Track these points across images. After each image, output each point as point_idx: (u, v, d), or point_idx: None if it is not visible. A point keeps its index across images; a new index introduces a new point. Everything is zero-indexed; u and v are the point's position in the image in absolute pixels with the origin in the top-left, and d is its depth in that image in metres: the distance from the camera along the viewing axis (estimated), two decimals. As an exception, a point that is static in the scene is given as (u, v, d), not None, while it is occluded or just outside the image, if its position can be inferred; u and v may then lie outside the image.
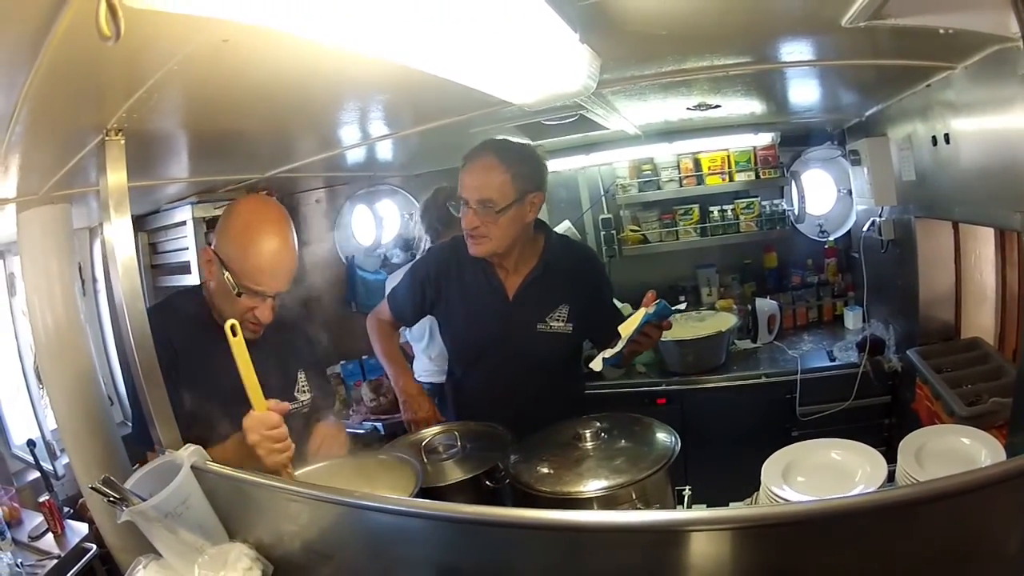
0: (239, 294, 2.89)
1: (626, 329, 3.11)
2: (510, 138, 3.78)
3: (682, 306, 3.44)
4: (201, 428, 2.72)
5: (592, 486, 2.62)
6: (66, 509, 4.18)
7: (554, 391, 3.70)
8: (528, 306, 3.67)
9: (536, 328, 3.65)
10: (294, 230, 3.02)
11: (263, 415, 2.59)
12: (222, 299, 2.98)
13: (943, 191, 3.95)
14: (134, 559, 2.44)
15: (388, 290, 4.37)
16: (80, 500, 4.10)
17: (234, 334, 2.54)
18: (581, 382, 4.20)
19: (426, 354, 5.43)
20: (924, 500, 1.65)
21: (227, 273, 2.88)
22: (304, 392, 3.32)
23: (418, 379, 4.68)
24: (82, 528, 3.95)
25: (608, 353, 3.14)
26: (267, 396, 2.64)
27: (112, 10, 1.22)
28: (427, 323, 4.90)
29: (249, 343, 2.65)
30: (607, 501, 2.58)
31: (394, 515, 2.08)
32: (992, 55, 2.89)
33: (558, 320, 3.66)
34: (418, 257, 4.09)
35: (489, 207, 3.43)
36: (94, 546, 3.72)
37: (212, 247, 3.01)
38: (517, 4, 1.78)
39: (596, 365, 3.16)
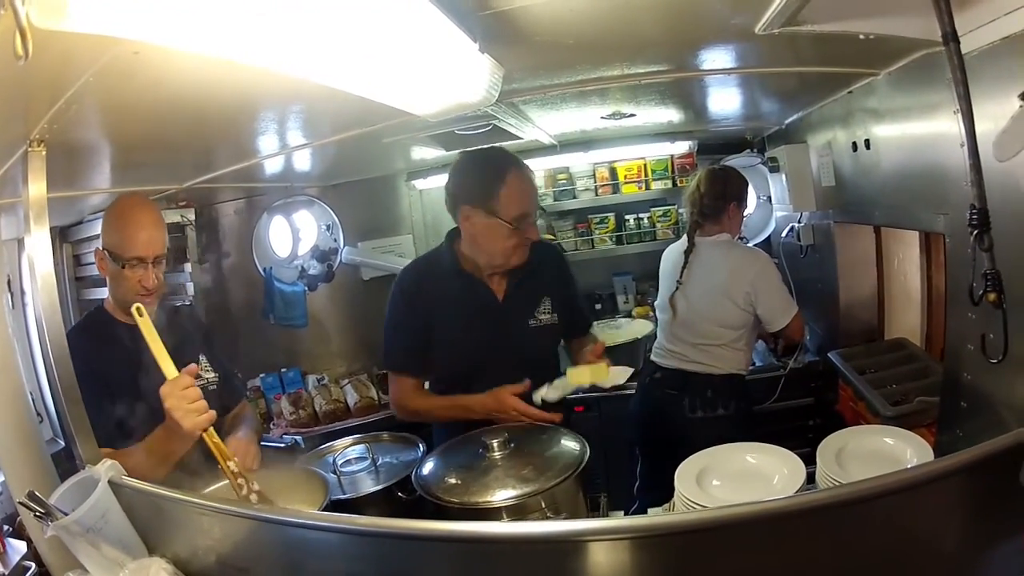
0: (123, 267, 3.09)
1: (576, 380, 3.39)
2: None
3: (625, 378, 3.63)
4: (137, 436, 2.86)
5: (500, 496, 2.61)
6: (5, 528, 4.08)
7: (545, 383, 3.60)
8: (518, 305, 3.71)
9: (528, 324, 3.72)
10: (159, 211, 3.33)
11: (175, 378, 2.66)
12: (115, 284, 3.21)
13: (863, 196, 3.99)
14: None
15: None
16: (18, 518, 4.00)
17: (140, 315, 2.67)
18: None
19: None
20: (844, 503, 1.65)
21: (110, 255, 3.12)
22: (208, 371, 3.44)
23: None
24: (21, 546, 3.86)
25: (550, 395, 3.34)
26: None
27: (22, 33, 1.26)
28: None
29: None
30: (516, 510, 2.58)
31: (294, 527, 2.10)
32: (917, 60, 2.92)
33: (545, 313, 3.76)
34: (391, 304, 3.84)
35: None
36: (33, 564, 3.63)
37: (100, 245, 3.21)
38: (414, 15, 1.75)
39: (538, 398, 3.34)
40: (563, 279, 3.94)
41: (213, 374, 3.43)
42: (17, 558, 3.65)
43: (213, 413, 2.70)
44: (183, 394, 2.63)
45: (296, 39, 1.72)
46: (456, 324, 3.65)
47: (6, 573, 3.55)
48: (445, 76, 2.34)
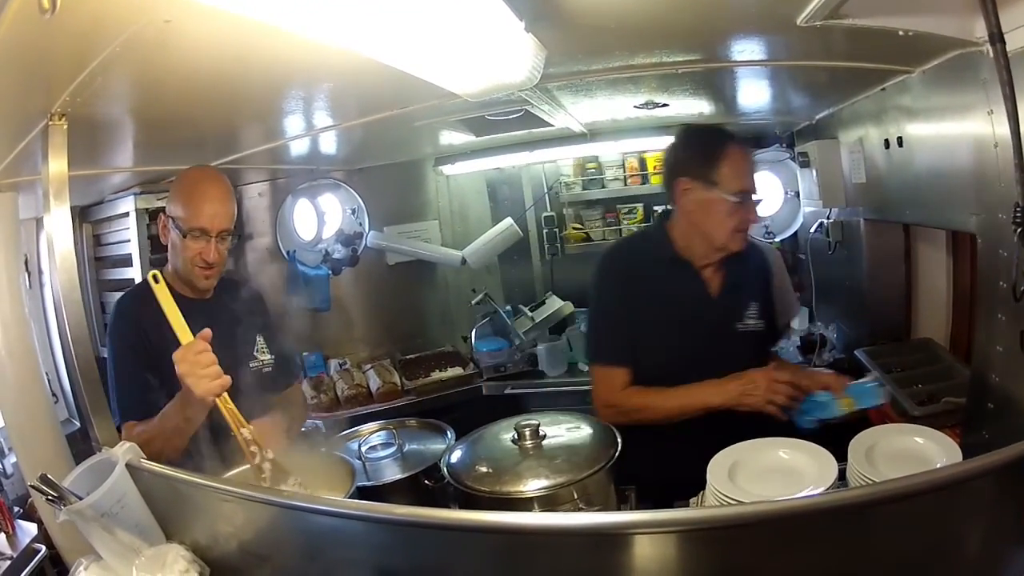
0: (185, 236, 3.06)
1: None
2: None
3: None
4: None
5: (532, 486, 2.58)
6: (16, 509, 4.06)
7: None
8: (730, 304, 3.41)
9: (737, 328, 3.41)
10: (231, 186, 3.24)
11: (189, 343, 2.62)
12: (175, 254, 3.15)
13: (894, 193, 3.97)
14: (81, 559, 2.41)
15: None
16: (29, 500, 3.99)
17: (156, 281, 2.70)
18: None
19: None
20: (880, 500, 1.62)
21: (173, 222, 3.09)
22: (264, 352, 3.41)
23: None
24: (32, 528, 3.84)
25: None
26: (226, 354, 2.72)
27: None
28: None
29: (207, 304, 3.13)
30: (548, 501, 2.55)
31: (325, 516, 2.03)
32: (952, 60, 2.89)
33: (752, 317, 3.43)
34: (598, 290, 3.53)
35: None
36: (43, 547, 3.61)
37: (165, 212, 3.20)
38: None
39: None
40: (770, 283, 3.63)
41: (269, 356, 3.40)
42: (27, 540, 3.64)
43: (227, 379, 2.65)
44: (196, 359, 2.59)
45: (343, 7, 1.72)
46: (665, 318, 3.35)
47: (14, 555, 3.55)
48: (489, 54, 2.31)
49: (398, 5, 1.74)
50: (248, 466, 2.73)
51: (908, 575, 1.73)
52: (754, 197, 3.21)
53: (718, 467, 2.55)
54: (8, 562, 3.55)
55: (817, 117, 5.12)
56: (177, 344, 2.67)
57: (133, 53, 1.96)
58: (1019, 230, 2.22)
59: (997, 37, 2.10)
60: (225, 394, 2.66)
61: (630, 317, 3.33)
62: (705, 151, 3.21)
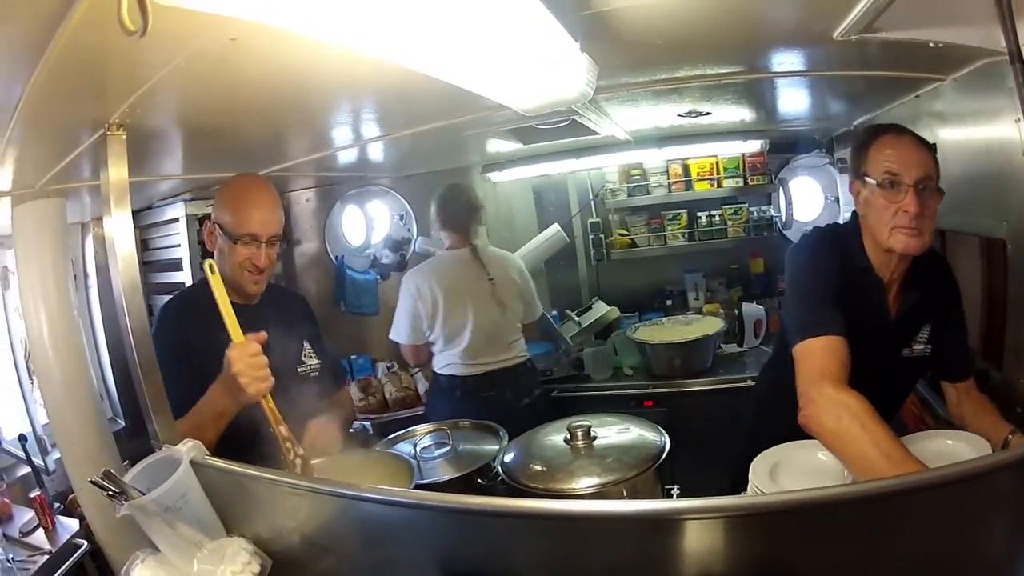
0: (235, 242, 3.11)
1: None
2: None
3: None
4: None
5: (584, 483, 2.68)
6: (56, 505, 4.14)
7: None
8: (904, 327, 2.98)
9: (902, 354, 3.00)
10: (278, 192, 3.33)
11: (244, 344, 2.71)
12: (223, 260, 3.14)
13: (930, 199, 3.96)
14: (125, 555, 2.44)
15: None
16: (70, 496, 4.02)
17: (212, 272, 2.77)
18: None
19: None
20: (912, 490, 1.68)
21: (222, 229, 3.15)
22: (311, 357, 3.45)
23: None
24: (72, 524, 3.91)
25: None
26: (274, 359, 2.80)
27: (141, 3, 1.24)
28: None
29: (256, 309, 3.18)
30: (598, 498, 2.61)
31: (394, 507, 2.09)
32: (981, 68, 2.94)
33: (920, 342, 3.00)
34: (805, 262, 2.95)
35: (932, 188, 2.72)
36: (85, 542, 3.68)
37: (211, 219, 3.26)
38: (521, 12, 1.80)
39: None
40: (950, 302, 3.08)
41: (316, 361, 3.44)
42: (66, 536, 3.73)
43: (272, 380, 2.74)
44: (252, 361, 2.68)
45: (408, 29, 1.74)
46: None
47: (53, 551, 3.63)
48: (547, 74, 2.34)
49: (465, 31, 1.79)
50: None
51: (932, 566, 1.79)
52: (909, 181, 2.68)
53: (760, 467, 2.63)
54: (47, 557, 3.65)
55: (855, 123, 5.15)
56: (219, 348, 2.73)
57: (196, 68, 2.04)
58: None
59: (1016, 56, 2.14)
60: (268, 394, 2.76)
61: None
62: (859, 144, 2.89)
